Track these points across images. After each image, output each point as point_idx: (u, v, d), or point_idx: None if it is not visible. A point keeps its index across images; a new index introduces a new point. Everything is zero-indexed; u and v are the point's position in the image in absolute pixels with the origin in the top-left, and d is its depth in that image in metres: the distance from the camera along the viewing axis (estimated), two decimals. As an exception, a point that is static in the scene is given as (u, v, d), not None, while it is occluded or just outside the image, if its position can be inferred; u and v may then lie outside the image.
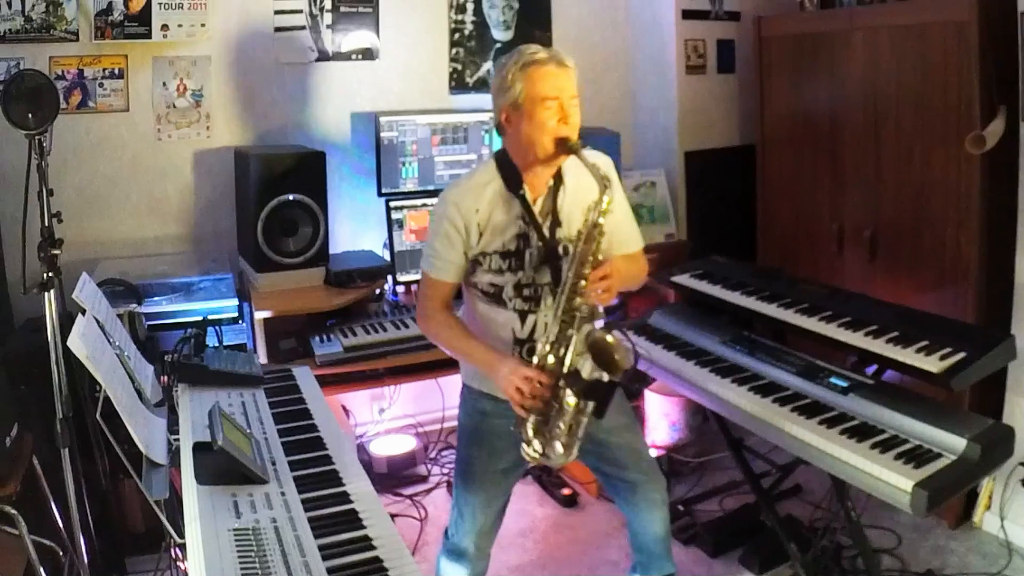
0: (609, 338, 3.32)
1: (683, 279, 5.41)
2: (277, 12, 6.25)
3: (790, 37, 6.60)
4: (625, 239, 3.82)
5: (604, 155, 3.72)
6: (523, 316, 3.65)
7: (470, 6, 6.93)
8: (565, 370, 3.40)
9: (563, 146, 3.46)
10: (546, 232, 3.62)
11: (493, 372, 3.50)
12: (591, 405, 3.34)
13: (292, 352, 5.42)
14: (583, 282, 3.39)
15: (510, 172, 3.63)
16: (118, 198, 5.95)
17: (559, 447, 3.41)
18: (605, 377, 3.27)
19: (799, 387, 4.33)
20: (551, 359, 3.43)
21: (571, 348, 3.40)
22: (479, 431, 3.85)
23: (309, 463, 3.28)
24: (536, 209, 3.63)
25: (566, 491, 5.93)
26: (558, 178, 3.67)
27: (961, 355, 3.94)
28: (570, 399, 3.35)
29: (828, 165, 6.29)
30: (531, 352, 3.57)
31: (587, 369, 3.28)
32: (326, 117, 6.51)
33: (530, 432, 3.47)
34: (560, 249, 3.61)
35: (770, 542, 4.97)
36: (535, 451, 3.47)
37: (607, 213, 3.39)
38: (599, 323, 3.63)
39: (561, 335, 3.42)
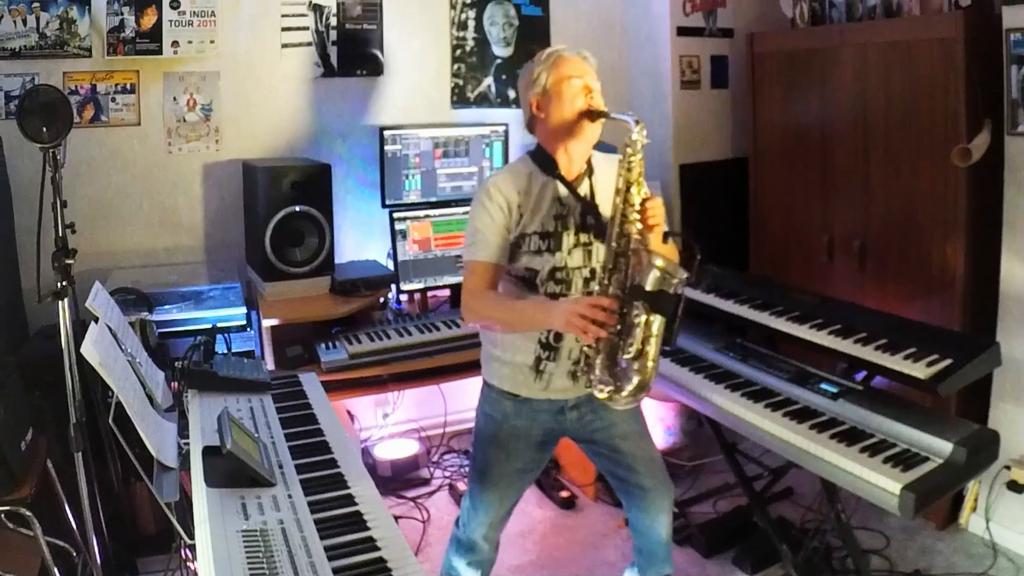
0: (660, 258, 3.26)
1: (678, 288, 5.42)
2: (284, 29, 6.27)
3: (782, 53, 6.61)
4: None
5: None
6: (554, 299, 3.59)
7: (471, 23, 6.95)
8: (623, 292, 3.37)
9: (591, 114, 3.59)
10: (583, 211, 3.66)
11: (551, 315, 3.39)
12: (659, 320, 3.28)
13: (298, 359, 5.41)
14: (632, 207, 3.40)
15: (544, 159, 3.70)
16: (130, 209, 5.95)
17: (634, 378, 3.33)
18: (670, 286, 3.22)
19: (790, 393, 4.34)
20: (611, 287, 3.40)
21: (628, 270, 3.39)
22: (499, 433, 3.83)
23: (315, 466, 3.29)
24: (573, 188, 3.68)
25: (564, 494, 5.93)
26: (589, 167, 3.74)
27: (947, 362, 3.95)
28: (640, 315, 3.29)
29: (819, 177, 6.29)
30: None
31: (650, 282, 3.22)
32: (332, 131, 6.52)
33: (599, 371, 3.42)
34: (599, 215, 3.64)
35: (762, 543, 4.96)
36: (608, 388, 3.40)
37: (641, 144, 3.45)
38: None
39: (617, 261, 3.41)
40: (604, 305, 3.20)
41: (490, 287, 3.63)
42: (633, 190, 3.40)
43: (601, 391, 3.43)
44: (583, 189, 3.70)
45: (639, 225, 3.40)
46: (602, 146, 3.77)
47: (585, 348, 3.46)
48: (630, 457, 3.88)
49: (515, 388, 3.75)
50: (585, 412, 3.81)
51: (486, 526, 3.92)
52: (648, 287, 3.23)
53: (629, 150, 3.43)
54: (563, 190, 3.66)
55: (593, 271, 3.62)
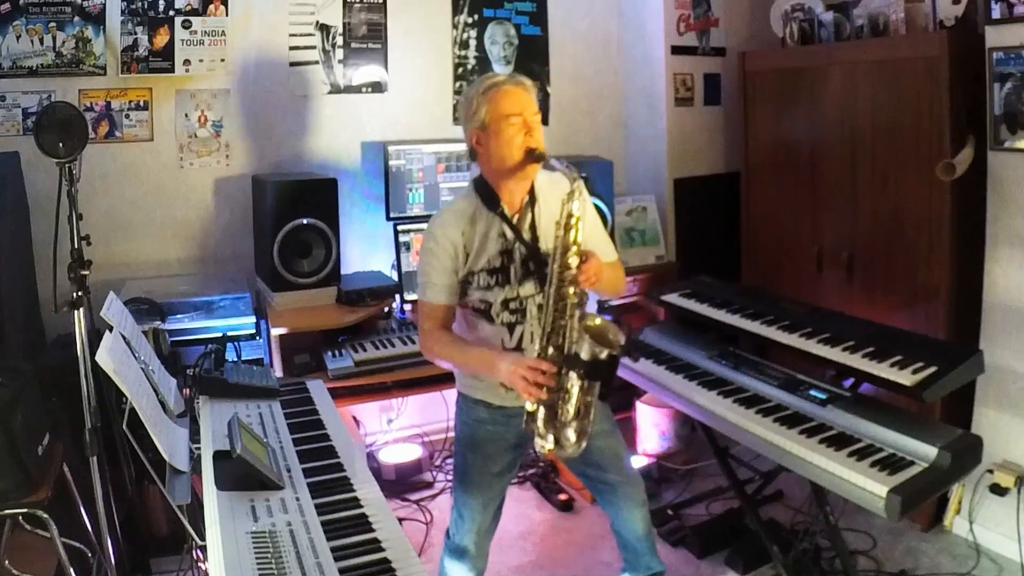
0: (598, 320, 3.29)
1: (672, 298, 5.42)
2: (292, 48, 6.28)
3: (772, 71, 6.62)
4: (598, 249, 3.70)
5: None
6: (511, 328, 3.66)
7: (472, 42, 6.97)
8: (561, 358, 3.37)
9: (531, 155, 3.52)
10: (527, 244, 3.62)
11: (495, 370, 3.46)
12: (596, 386, 3.34)
13: (306, 366, 5.42)
14: (569, 270, 3.37)
15: (487, 193, 3.67)
16: (143, 222, 5.95)
17: (571, 435, 3.40)
18: (604, 355, 3.24)
19: (781, 399, 4.34)
20: (551, 350, 3.40)
21: (567, 335, 3.39)
22: (475, 438, 3.85)
23: (322, 470, 3.30)
24: (515, 223, 3.65)
25: (562, 496, 5.93)
26: (532, 196, 3.70)
27: (932, 369, 3.95)
28: (574, 382, 3.33)
29: (808, 191, 6.30)
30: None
31: (586, 351, 3.25)
32: (338, 146, 6.52)
33: (541, 426, 3.45)
34: (542, 254, 3.60)
35: (754, 544, 4.97)
36: (548, 444, 3.45)
37: (578, 199, 3.39)
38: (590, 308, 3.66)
39: (556, 325, 3.40)
40: (543, 369, 3.31)
41: (442, 326, 3.73)
42: (571, 253, 3.39)
43: (543, 447, 3.49)
44: (526, 224, 3.68)
45: (575, 288, 3.40)
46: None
47: (527, 405, 3.47)
48: (597, 454, 3.86)
49: (488, 397, 3.77)
50: None
51: (474, 532, 3.91)
52: (584, 356, 3.27)
53: (566, 209, 3.39)
54: (508, 230, 3.65)
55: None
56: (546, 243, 3.58)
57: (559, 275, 3.39)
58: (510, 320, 3.65)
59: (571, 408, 3.37)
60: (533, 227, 3.68)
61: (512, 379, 3.36)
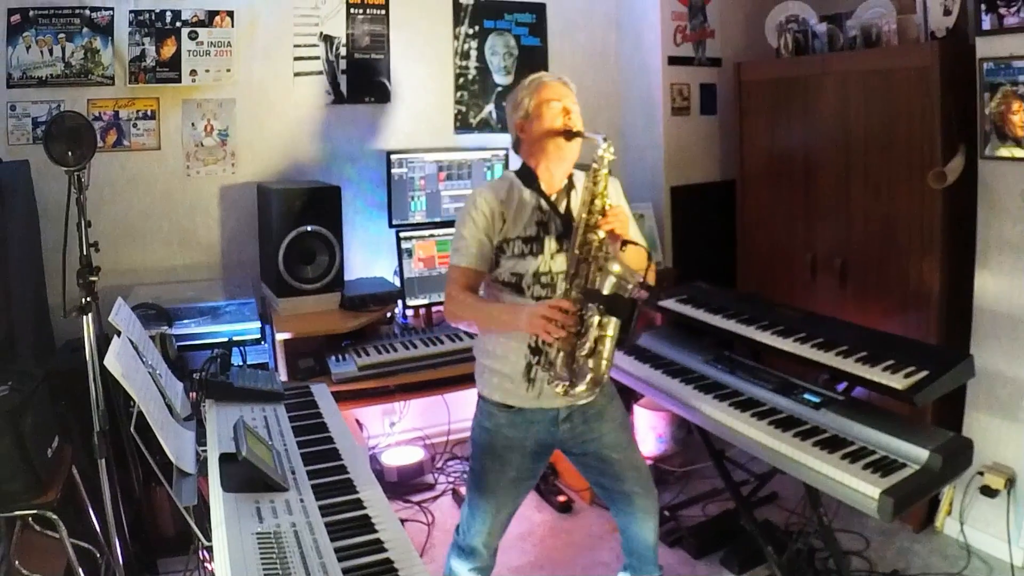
0: (618, 266, 3.29)
1: (669, 303, 5.42)
2: (296, 59, 6.29)
3: (767, 81, 6.63)
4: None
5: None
6: (539, 301, 3.62)
7: (473, 53, 6.98)
8: (582, 296, 3.39)
9: (568, 134, 3.67)
10: (561, 219, 3.71)
11: (517, 319, 3.46)
12: (613, 322, 3.31)
13: (310, 370, 5.41)
14: (595, 216, 3.45)
15: (527, 174, 3.80)
16: (150, 229, 5.96)
17: (587, 373, 3.37)
18: (626, 289, 3.27)
19: (775, 402, 4.33)
20: (573, 292, 3.43)
21: (589, 276, 3.41)
22: (493, 443, 3.82)
23: (326, 472, 3.29)
24: (553, 199, 3.75)
25: (561, 498, 5.94)
26: (570, 183, 3.81)
27: (924, 373, 3.95)
28: (594, 317, 3.32)
29: (802, 199, 6.30)
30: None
31: (607, 286, 3.27)
32: (341, 155, 6.53)
33: (559, 366, 3.44)
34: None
35: (749, 545, 4.96)
36: (563, 383, 3.44)
37: (608, 161, 3.48)
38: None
39: (579, 268, 3.44)
40: (563, 307, 3.29)
41: (468, 289, 3.72)
42: (597, 201, 3.47)
43: (557, 385, 3.46)
44: (562, 205, 3.77)
45: (602, 234, 3.44)
46: (585, 166, 3.73)
47: (544, 346, 3.50)
48: (618, 466, 3.88)
49: (508, 399, 3.75)
50: (577, 423, 3.80)
51: (484, 533, 3.90)
52: (605, 291, 3.29)
53: (595, 165, 3.49)
54: (544, 203, 3.73)
55: None
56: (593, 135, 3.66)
57: (586, 222, 3.47)
58: (540, 294, 3.65)
59: (588, 343, 3.34)
60: (568, 209, 3.75)
61: (532, 322, 3.34)
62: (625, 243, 3.51)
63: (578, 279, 3.45)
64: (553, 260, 3.66)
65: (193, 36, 5.92)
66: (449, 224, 6.23)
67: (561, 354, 3.44)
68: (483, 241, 3.67)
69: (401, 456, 6.35)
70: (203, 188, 6.11)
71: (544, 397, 3.65)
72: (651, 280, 3.73)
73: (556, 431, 3.78)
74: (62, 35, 5.55)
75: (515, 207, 3.71)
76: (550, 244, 3.66)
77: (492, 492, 3.85)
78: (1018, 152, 4.81)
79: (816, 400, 4.19)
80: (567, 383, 3.44)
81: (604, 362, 3.38)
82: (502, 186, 3.79)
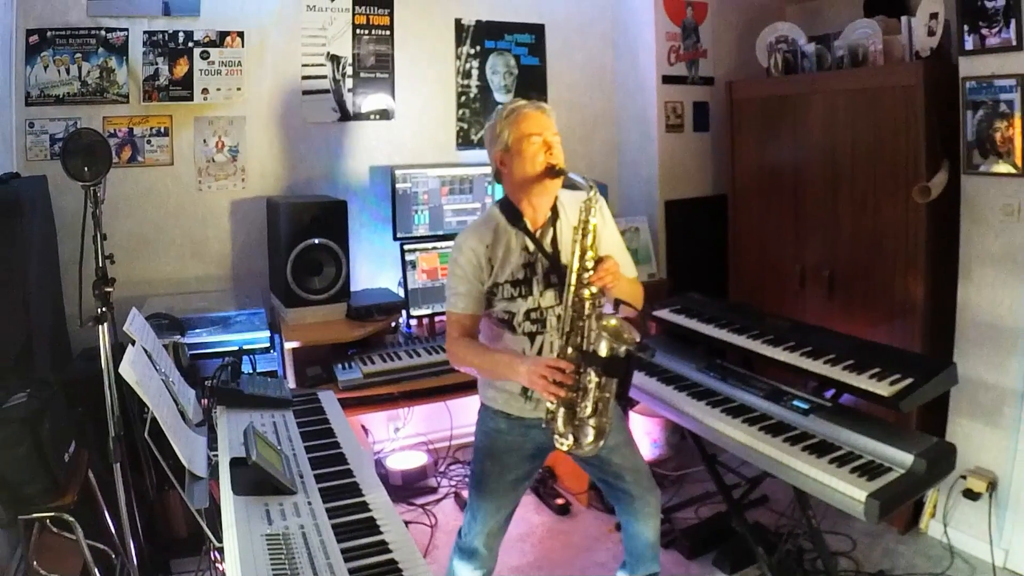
0: (614, 320, 3.29)
1: (663, 313, 5.44)
2: (304, 77, 6.31)
3: (758, 99, 6.64)
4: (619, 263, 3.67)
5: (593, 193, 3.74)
6: (532, 338, 3.65)
7: (475, 72, 6.99)
8: (580, 357, 3.38)
9: (551, 171, 3.56)
10: (549, 258, 3.64)
11: (516, 372, 3.45)
12: (613, 383, 3.33)
13: (317, 378, 5.42)
14: (587, 272, 3.40)
15: (511, 211, 3.70)
16: (164, 242, 5.97)
17: (590, 432, 3.39)
18: (622, 351, 3.25)
19: (766, 409, 4.35)
20: (569, 350, 3.41)
21: (585, 335, 3.39)
22: (494, 447, 3.83)
23: (332, 476, 3.30)
24: (538, 237, 3.67)
25: (559, 501, 5.93)
26: (554, 213, 3.72)
27: (909, 380, 3.96)
28: (592, 380, 3.33)
29: (791, 212, 6.31)
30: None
31: (604, 348, 3.26)
32: (347, 170, 6.55)
33: (560, 424, 3.45)
34: (562, 266, 3.60)
35: (740, 546, 4.96)
36: (568, 442, 3.46)
37: (595, 207, 3.43)
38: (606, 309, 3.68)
39: (574, 325, 3.42)
40: (561, 367, 3.29)
41: (467, 335, 3.73)
42: (588, 253, 3.43)
43: (562, 444, 3.48)
44: (548, 239, 3.70)
45: (593, 289, 3.41)
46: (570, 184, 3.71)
47: (547, 404, 3.47)
48: (616, 467, 3.87)
49: (508, 408, 3.76)
50: None
51: (485, 534, 3.91)
52: (602, 353, 3.28)
53: (583, 216, 3.44)
54: (530, 243, 3.67)
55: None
56: (567, 257, 3.57)
57: (577, 277, 3.42)
58: (531, 330, 3.66)
59: (589, 405, 3.36)
60: (555, 242, 3.69)
61: (532, 379, 3.34)
62: (619, 303, 3.53)
63: (574, 336, 3.43)
64: (542, 297, 3.65)
65: (205, 56, 5.94)
66: (452, 237, 6.23)
67: (563, 411, 3.44)
68: (473, 287, 3.66)
69: (405, 460, 6.34)
70: (214, 202, 6.13)
71: (542, 406, 3.61)
72: (641, 293, 3.81)
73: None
74: (79, 55, 5.57)
75: (502, 252, 3.66)
76: (538, 284, 3.65)
77: (492, 493, 3.85)
78: (999, 168, 4.82)
79: (805, 407, 4.21)
80: (572, 442, 3.46)
81: (606, 420, 3.41)
82: (487, 230, 3.70)
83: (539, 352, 3.65)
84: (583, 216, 3.43)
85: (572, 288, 3.43)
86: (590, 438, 3.41)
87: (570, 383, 3.32)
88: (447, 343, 3.79)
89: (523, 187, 3.64)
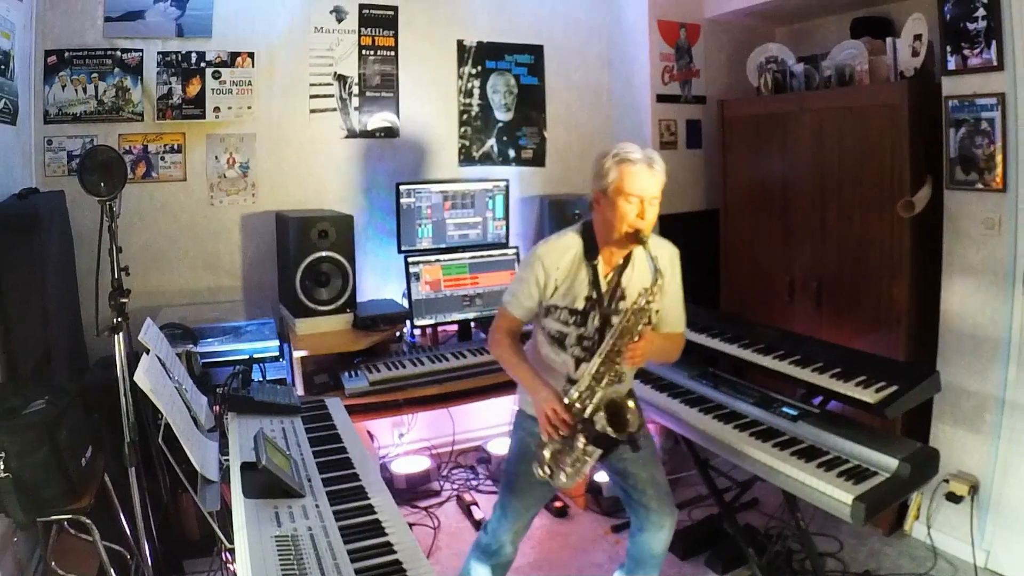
0: (630, 403, 3.44)
1: (658, 323, 5.44)
2: (312, 96, 6.32)
3: (748, 117, 6.65)
4: (672, 321, 3.87)
5: (673, 246, 3.90)
6: (578, 362, 3.69)
7: (476, 91, 7.01)
8: (585, 416, 3.47)
9: (634, 237, 3.54)
10: (608, 302, 3.68)
11: (534, 393, 3.58)
12: (596, 452, 3.47)
13: (325, 386, 5.41)
14: (621, 351, 3.47)
15: (590, 243, 3.71)
16: (177, 254, 5.98)
17: (563, 477, 3.53)
18: (611, 434, 3.38)
19: (756, 415, 4.36)
20: (578, 405, 3.48)
21: (593, 402, 3.46)
22: (527, 450, 3.82)
23: (339, 480, 3.31)
24: (605, 280, 3.70)
25: (558, 504, 5.91)
26: (629, 257, 3.74)
27: (894, 388, 3.98)
28: (581, 441, 3.45)
29: (781, 226, 6.32)
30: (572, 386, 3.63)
31: (600, 422, 3.38)
32: (354, 185, 6.55)
33: (547, 455, 3.54)
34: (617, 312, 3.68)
35: (732, 547, 4.97)
36: (545, 472, 3.56)
37: (653, 299, 3.50)
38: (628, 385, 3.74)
39: (590, 389, 3.49)
40: (565, 419, 3.45)
41: (511, 333, 3.86)
42: (632, 335, 3.50)
43: (539, 471, 3.58)
44: (613, 282, 3.71)
45: (619, 363, 3.52)
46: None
47: (544, 432, 3.55)
48: (635, 478, 3.89)
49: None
50: None
51: (512, 532, 3.97)
52: (596, 427, 3.43)
53: (643, 297, 3.50)
54: (595, 287, 3.68)
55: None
56: (631, 301, 3.61)
57: (609, 352, 3.51)
58: (580, 355, 3.70)
59: (572, 458, 3.50)
60: (620, 286, 3.71)
61: (540, 408, 3.51)
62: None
63: (587, 395, 3.50)
64: (595, 324, 3.68)
65: (216, 76, 5.96)
66: (454, 250, 6.30)
67: (552, 447, 3.54)
68: (533, 299, 3.74)
69: (409, 465, 6.34)
70: (226, 216, 6.13)
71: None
72: (679, 351, 3.97)
73: None
74: (95, 75, 5.59)
75: (570, 281, 3.70)
76: (594, 319, 3.68)
77: (523, 493, 3.91)
78: (980, 183, 4.83)
79: (794, 413, 4.22)
80: (548, 474, 3.57)
81: (579, 477, 3.58)
82: (566, 253, 3.71)
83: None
84: (644, 296, 3.49)
85: (603, 354, 3.51)
86: (563, 480, 3.56)
87: (566, 433, 3.47)
88: (491, 331, 3.92)
89: (605, 233, 3.65)
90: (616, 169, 3.55)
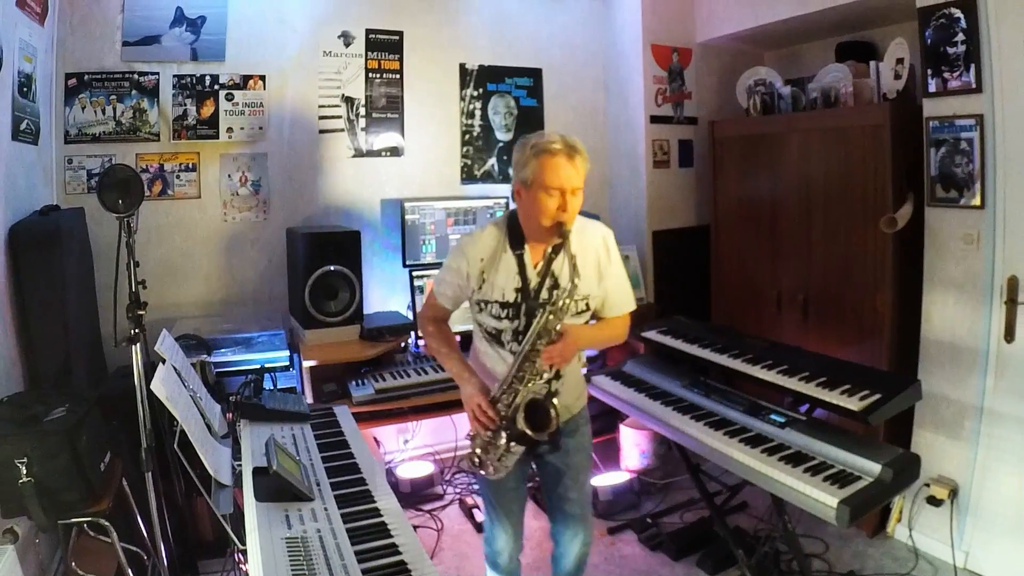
0: (551, 409, 3.36)
1: (651, 334, 5.45)
2: (321, 117, 6.34)
3: (738, 138, 6.67)
4: (614, 303, 3.70)
5: (604, 227, 3.69)
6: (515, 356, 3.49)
7: (478, 113, 7.03)
8: (505, 414, 3.42)
9: (557, 230, 3.35)
10: (537, 293, 3.49)
11: (461, 386, 3.56)
12: (520, 448, 3.44)
13: (333, 394, 5.41)
14: (542, 342, 3.35)
15: (516, 234, 3.53)
16: (192, 269, 5.99)
17: (491, 469, 3.51)
18: (530, 433, 3.34)
19: (745, 422, 4.36)
20: (499, 404, 3.43)
21: (515, 400, 3.39)
22: None
23: (347, 484, 3.32)
24: (535, 270, 3.52)
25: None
26: (560, 244, 3.45)
27: (877, 396, 3.97)
28: (503, 439, 3.40)
29: (769, 242, 6.33)
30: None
31: (520, 421, 3.32)
32: (360, 202, 6.57)
33: (476, 448, 3.54)
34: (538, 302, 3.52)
35: (722, 548, 4.97)
36: (475, 464, 3.57)
37: (568, 301, 3.33)
38: (582, 371, 3.69)
39: (512, 386, 3.41)
40: (489, 416, 3.41)
41: (437, 318, 3.83)
42: (550, 335, 3.36)
43: (471, 462, 3.61)
44: (541, 271, 3.52)
45: (539, 361, 3.39)
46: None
47: (471, 425, 3.54)
48: (567, 486, 3.81)
49: None
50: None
51: (504, 538, 3.88)
52: (517, 424, 3.35)
53: (560, 296, 3.35)
54: (522, 275, 3.52)
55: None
56: (564, 281, 3.42)
57: (528, 351, 3.38)
58: (517, 349, 3.47)
59: (495, 453, 3.46)
60: (553, 274, 3.51)
61: (466, 403, 3.50)
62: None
63: (508, 393, 3.42)
64: (525, 318, 3.52)
65: (229, 98, 5.97)
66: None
67: (480, 441, 3.52)
68: (459, 291, 3.66)
69: (414, 470, 6.33)
70: (238, 232, 6.14)
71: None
72: (623, 334, 3.83)
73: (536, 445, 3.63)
74: (113, 97, 5.61)
75: (496, 272, 3.53)
76: (523, 313, 3.51)
77: (498, 496, 3.83)
78: (960, 201, 4.85)
79: (781, 420, 4.22)
80: (477, 464, 3.57)
81: (504, 469, 3.56)
82: (489, 245, 3.55)
83: None
84: (560, 296, 3.35)
85: (523, 353, 3.39)
86: (490, 471, 3.54)
87: (491, 428, 3.43)
88: (421, 311, 3.90)
89: (528, 225, 3.48)
90: (535, 161, 3.35)
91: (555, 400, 3.45)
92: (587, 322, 3.67)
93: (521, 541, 3.98)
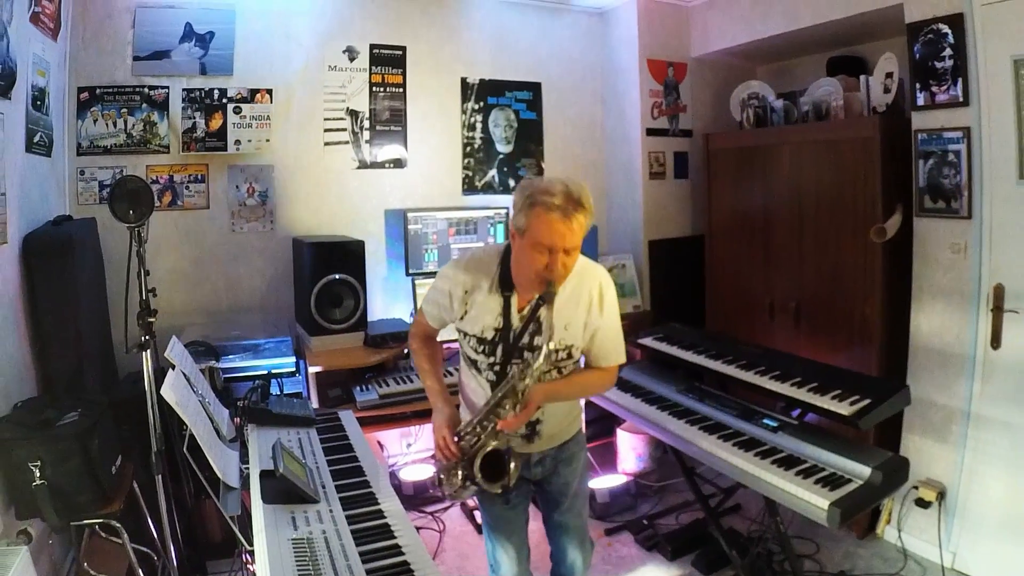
0: (511, 462, 3.24)
1: (647, 341, 5.46)
2: (326, 130, 6.35)
3: (732, 150, 6.67)
4: (601, 354, 3.44)
5: (604, 274, 3.43)
6: (493, 387, 3.34)
7: (479, 125, 7.04)
8: (466, 454, 3.30)
9: (543, 288, 3.07)
10: (517, 338, 3.30)
11: (433, 411, 3.46)
12: (472, 488, 3.35)
13: (338, 399, 5.43)
14: (501, 411, 3.17)
15: (506, 277, 3.30)
16: (200, 277, 5.99)
17: (449, 490, 3.41)
18: (483, 483, 3.25)
19: (739, 426, 4.37)
20: (463, 440, 3.31)
21: (477, 445, 3.26)
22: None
23: (351, 487, 3.31)
24: (519, 314, 3.31)
25: (555, 510, 5.90)
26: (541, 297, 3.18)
27: (867, 401, 3.99)
28: (459, 476, 3.32)
29: (762, 251, 6.34)
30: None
31: (476, 466, 3.23)
32: (365, 213, 6.57)
33: (442, 473, 3.45)
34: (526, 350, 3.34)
35: (716, 549, 4.97)
36: (438, 480, 3.50)
37: (536, 373, 3.11)
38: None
39: (476, 429, 3.27)
40: (451, 450, 3.30)
41: (425, 334, 3.72)
42: (512, 398, 3.16)
43: (436, 483, 3.54)
44: (525, 316, 3.29)
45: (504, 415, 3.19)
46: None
47: (436, 452, 3.45)
48: (566, 510, 3.75)
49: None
50: (549, 465, 3.64)
51: (507, 561, 3.71)
52: (473, 468, 3.26)
53: (533, 367, 3.10)
54: (504, 317, 3.31)
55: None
56: (546, 335, 3.08)
57: (493, 407, 3.21)
58: (495, 380, 3.37)
59: (452, 485, 3.38)
60: (537, 320, 3.24)
61: (434, 432, 3.40)
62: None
63: (472, 434, 3.29)
64: (500, 358, 3.36)
65: (237, 111, 5.98)
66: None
67: (443, 467, 3.43)
68: (442, 309, 3.49)
69: (416, 472, 6.32)
70: (246, 241, 6.15)
71: (534, 442, 3.54)
72: (608, 384, 3.63)
73: (530, 471, 3.61)
74: (124, 110, 5.61)
75: (479, 308, 3.34)
76: (500, 353, 3.35)
77: (498, 523, 3.71)
78: (947, 211, 4.86)
79: (774, 424, 4.23)
80: (441, 487, 3.48)
81: (460, 499, 3.63)
82: (477, 279, 3.33)
83: None
84: (522, 378, 3.12)
85: (487, 409, 3.23)
86: (448, 493, 3.43)
87: (452, 461, 3.33)
88: (412, 327, 3.81)
89: (518, 271, 3.23)
90: (530, 212, 3.06)
91: (512, 461, 3.27)
92: (571, 370, 3.50)
93: (527, 565, 3.83)
